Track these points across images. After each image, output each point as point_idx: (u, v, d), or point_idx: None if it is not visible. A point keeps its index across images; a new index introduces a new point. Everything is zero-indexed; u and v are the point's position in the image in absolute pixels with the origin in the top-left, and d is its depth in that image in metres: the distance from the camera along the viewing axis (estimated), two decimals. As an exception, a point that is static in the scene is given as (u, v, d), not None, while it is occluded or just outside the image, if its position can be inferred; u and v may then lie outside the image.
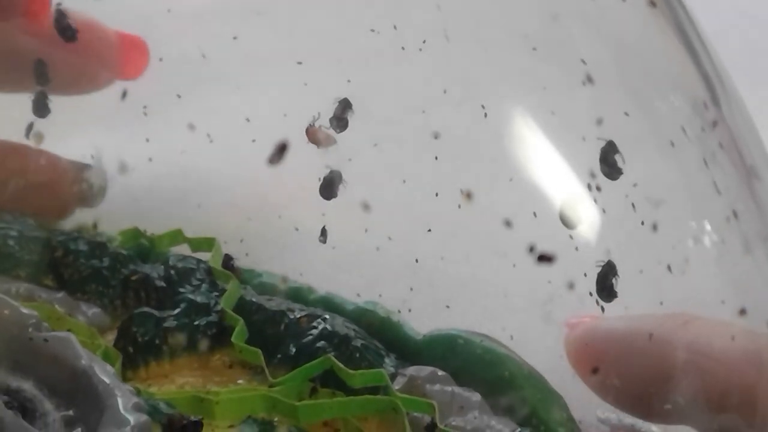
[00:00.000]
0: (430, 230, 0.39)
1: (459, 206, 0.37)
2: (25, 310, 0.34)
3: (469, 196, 0.34)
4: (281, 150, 0.34)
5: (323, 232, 0.40)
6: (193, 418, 0.34)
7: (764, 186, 0.33)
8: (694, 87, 0.34)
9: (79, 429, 0.32)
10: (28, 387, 0.33)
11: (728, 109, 0.34)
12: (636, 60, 0.36)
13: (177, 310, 0.40)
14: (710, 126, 0.33)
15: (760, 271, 0.33)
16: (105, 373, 0.33)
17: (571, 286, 0.33)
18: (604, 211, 0.35)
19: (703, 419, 0.34)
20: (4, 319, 0.34)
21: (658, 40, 0.35)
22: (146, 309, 0.40)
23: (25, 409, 0.32)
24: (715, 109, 0.34)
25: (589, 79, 0.33)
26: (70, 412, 0.33)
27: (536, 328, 0.37)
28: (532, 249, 0.33)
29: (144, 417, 0.32)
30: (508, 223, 0.36)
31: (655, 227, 0.33)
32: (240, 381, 0.39)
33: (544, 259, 0.33)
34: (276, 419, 0.37)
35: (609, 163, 0.33)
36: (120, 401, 0.32)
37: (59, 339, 0.34)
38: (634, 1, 0.35)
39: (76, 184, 0.43)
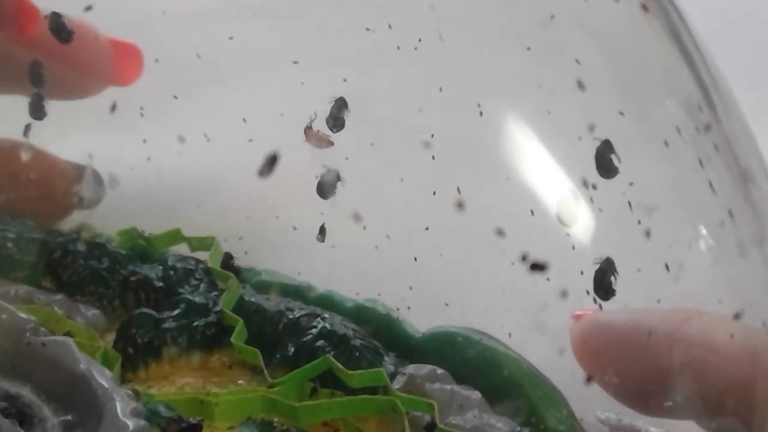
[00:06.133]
0: (427, 228, 0.39)
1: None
2: (22, 315, 0.34)
3: (461, 205, 0.34)
4: (271, 162, 0.34)
5: (322, 231, 0.40)
6: (192, 420, 0.34)
7: (759, 189, 0.33)
8: (688, 90, 0.34)
9: (78, 434, 0.32)
10: (26, 392, 0.33)
11: (723, 111, 0.34)
12: (630, 62, 0.36)
13: (176, 311, 0.40)
14: (704, 129, 0.33)
15: (755, 272, 0.33)
16: (103, 378, 0.33)
17: (564, 294, 0.33)
18: (600, 210, 0.35)
19: (704, 414, 0.34)
20: (2, 324, 0.34)
21: (651, 43, 0.35)
22: (145, 310, 0.40)
23: (24, 414, 0.32)
24: (709, 112, 0.34)
25: (583, 82, 0.33)
26: (69, 417, 0.33)
27: (535, 324, 0.37)
28: (524, 258, 0.33)
29: (142, 422, 0.32)
30: (504, 221, 0.36)
31: (649, 231, 0.33)
32: (240, 381, 0.39)
33: (537, 267, 0.33)
34: (275, 420, 0.37)
35: (605, 162, 0.33)
36: (119, 406, 0.32)
37: (57, 343, 0.34)
38: (628, 3, 0.34)
39: (72, 184, 0.43)
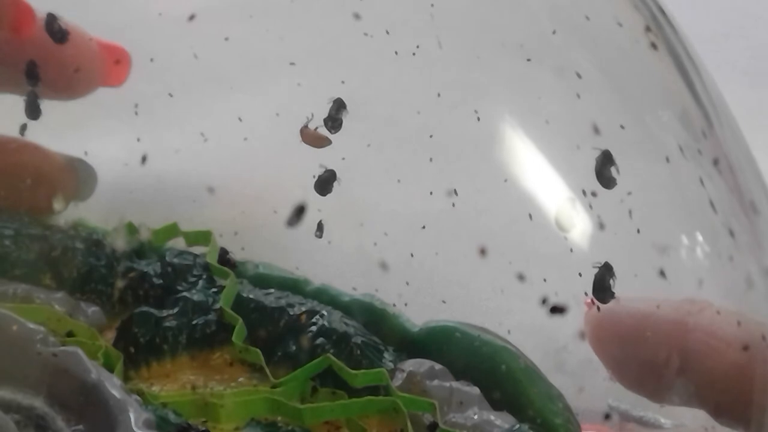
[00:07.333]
0: (424, 227, 0.40)
1: (453, 205, 0.38)
2: (32, 325, 0.35)
3: (483, 252, 0.35)
4: (299, 212, 0.34)
5: (319, 227, 0.40)
6: (200, 427, 0.35)
7: (763, 219, 0.34)
8: (684, 103, 0.35)
9: (91, 444, 0.33)
10: (38, 404, 0.33)
11: (725, 139, 0.35)
12: (629, 75, 0.36)
13: (176, 309, 0.40)
14: (702, 136, 0.34)
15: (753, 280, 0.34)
16: (115, 387, 0.34)
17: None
18: (598, 216, 0.35)
19: (711, 403, 0.35)
20: (13, 336, 0.34)
21: (651, 60, 0.35)
22: (145, 308, 0.40)
23: (38, 426, 0.33)
24: (703, 121, 0.34)
25: (581, 96, 0.34)
26: (81, 427, 0.33)
27: (533, 323, 0.38)
28: (544, 301, 0.34)
29: (154, 433, 0.32)
30: (501, 223, 0.37)
31: (648, 240, 0.34)
32: (240, 379, 0.39)
33: (557, 310, 0.33)
34: (279, 419, 0.37)
35: (604, 172, 0.34)
36: (132, 417, 0.32)
37: (68, 353, 0.34)
38: (630, 26, 0.35)
39: (66, 176, 0.43)
